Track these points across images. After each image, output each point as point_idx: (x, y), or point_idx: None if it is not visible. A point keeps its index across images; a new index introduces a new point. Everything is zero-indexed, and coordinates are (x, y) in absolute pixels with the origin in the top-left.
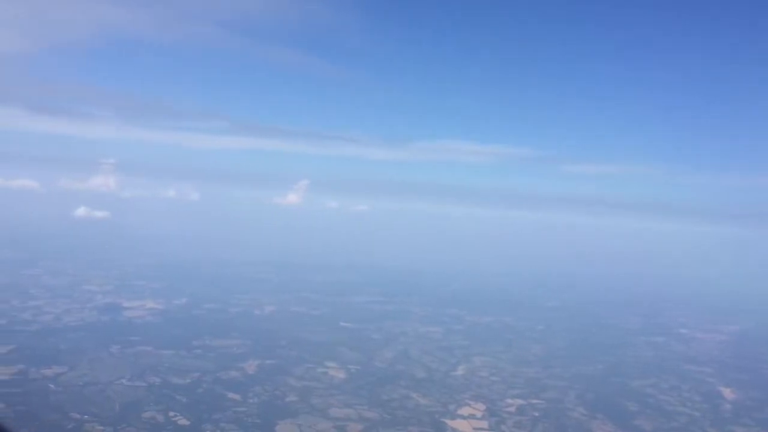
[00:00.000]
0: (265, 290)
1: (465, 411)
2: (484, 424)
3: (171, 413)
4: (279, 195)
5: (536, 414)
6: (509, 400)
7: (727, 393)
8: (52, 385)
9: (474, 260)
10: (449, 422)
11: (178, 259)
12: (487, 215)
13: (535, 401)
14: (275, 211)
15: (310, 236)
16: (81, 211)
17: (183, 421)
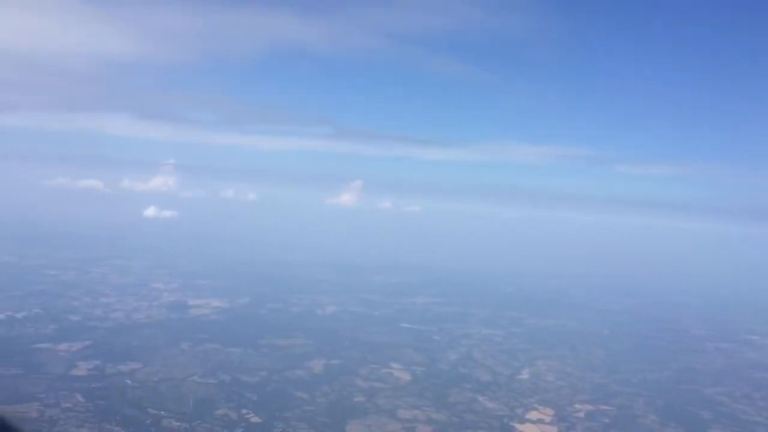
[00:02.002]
0: (324, 290)
1: (533, 415)
2: (554, 429)
3: (243, 411)
4: (332, 195)
5: (606, 420)
6: (578, 406)
7: None
8: (128, 381)
9: (529, 261)
10: (518, 426)
11: (238, 259)
12: (540, 216)
13: (604, 407)
14: (329, 211)
15: (365, 237)
16: (150, 211)
17: (255, 419)
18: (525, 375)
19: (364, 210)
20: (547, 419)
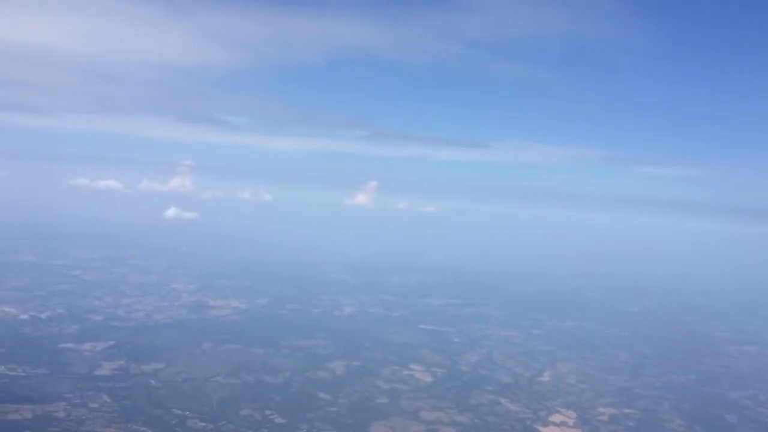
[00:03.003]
0: (342, 291)
1: (556, 418)
2: None
3: (267, 411)
4: (348, 196)
5: (631, 424)
6: (601, 409)
7: None
8: (152, 381)
9: (545, 262)
10: (542, 429)
11: (256, 260)
12: (557, 217)
13: (628, 411)
14: (344, 211)
15: (381, 237)
16: (171, 212)
17: (279, 420)
18: (546, 377)
19: (379, 210)
20: (571, 422)
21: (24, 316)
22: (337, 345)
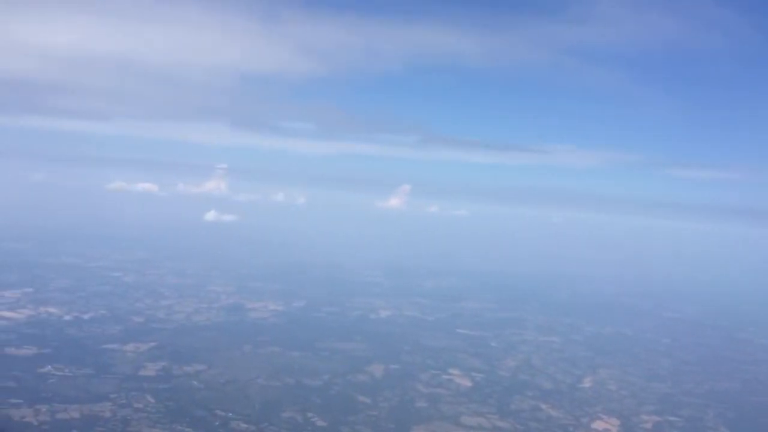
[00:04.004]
0: (377, 294)
1: (599, 425)
2: None
3: (308, 414)
4: (380, 199)
5: None
6: (644, 416)
7: None
8: (195, 382)
9: (580, 265)
10: None
11: (291, 262)
12: (590, 220)
13: (671, 418)
14: (376, 214)
15: (414, 240)
16: (210, 215)
17: (320, 423)
18: (587, 383)
19: (411, 214)
20: (614, 429)
21: (68, 317)
22: (375, 348)
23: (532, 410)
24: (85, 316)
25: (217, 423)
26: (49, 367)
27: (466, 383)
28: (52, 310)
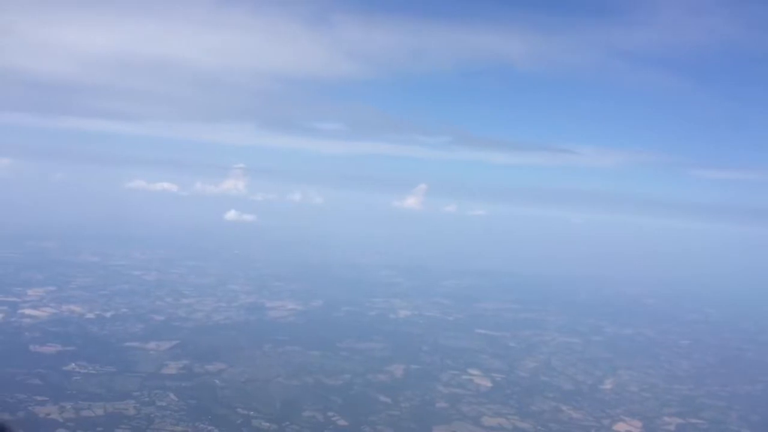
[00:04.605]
0: (396, 294)
1: (621, 427)
2: None
3: (329, 413)
4: (398, 199)
5: None
6: (666, 418)
7: None
8: (217, 381)
9: (599, 266)
10: None
11: (309, 262)
12: (609, 221)
13: (694, 421)
14: (394, 214)
15: (431, 240)
16: (231, 215)
17: (342, 422)
18: (608, 385)
19: (429, 213)
20: (636, 431)
21: (90, 315)
22: (395, 348)
23: (552, 411)
24: (107, 315)
25: (239, 421)
26: (73, 364)
27: (486, 384)
28: (74, 308)
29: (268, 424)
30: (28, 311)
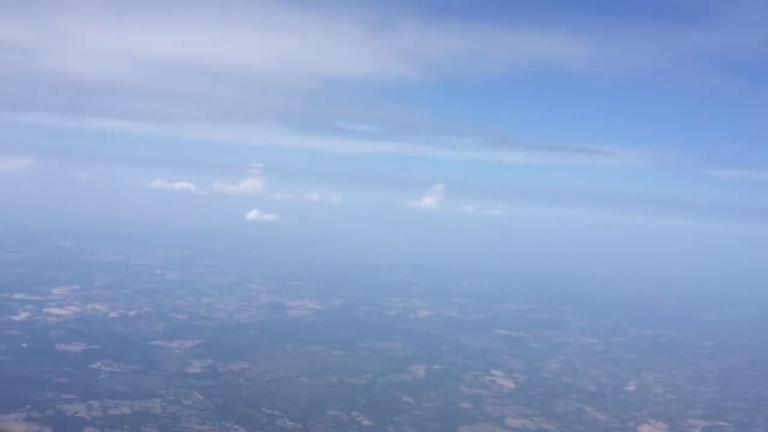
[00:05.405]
0: (414, 294)
1: (646, 429)
2: None
3: (353, 413)
4: (415, 198)
5: None
6: (692, 421)
7: None
8: (241, 380)
9: (618, 266)
10: None
11: (328, 261)
12: (626, 221)
13: (720, 423)
14: (412, 214)
15: (449, 240)
16: (252, 215)
17: (366, 422)
18: (632, 386)
19: (446, 213)
20: None
21: (113, 314)
22: (416, 348)
23: (577, 413)
24: (131, 313)
25: (264, 420)
26: (99, 363)
27: (509, 384)
28: (98, 307)
29: (292, 424)
30: (53, 310)
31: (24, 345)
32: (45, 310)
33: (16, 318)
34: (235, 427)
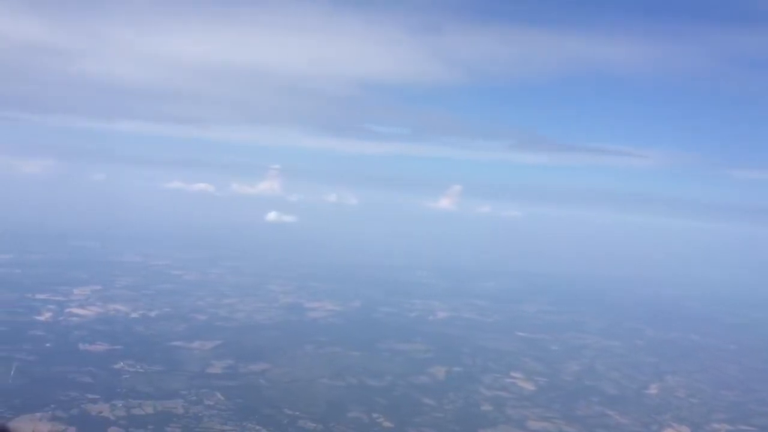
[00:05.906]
0: (433, 295)
1: None
2: None
3: (374, 414)
4: (431, 200)
5: None
6: (715, 425)
7: None
8: (262, 381)
9: (636, 268)
10: None
11: (347, 262)
12: (645, 222)
13: (744, 427)
14: (428, 215)
15: (465, 241)
16: (271, 216)
17: (387, 423)
18: (654, 390)
19: (463, 215)
20: None
21: (135, 315)
22: (436, 350)
23: (598, 416)
24: (152, 314)
25: (285, 421)
26: (122, 363)
27: (530, 387)
28: (119, 307)
29: (314, 425)
30: (75, 310)
31: (48, 345)
32: (67, 310)
33: (39, 318)
34: (257, 427)
